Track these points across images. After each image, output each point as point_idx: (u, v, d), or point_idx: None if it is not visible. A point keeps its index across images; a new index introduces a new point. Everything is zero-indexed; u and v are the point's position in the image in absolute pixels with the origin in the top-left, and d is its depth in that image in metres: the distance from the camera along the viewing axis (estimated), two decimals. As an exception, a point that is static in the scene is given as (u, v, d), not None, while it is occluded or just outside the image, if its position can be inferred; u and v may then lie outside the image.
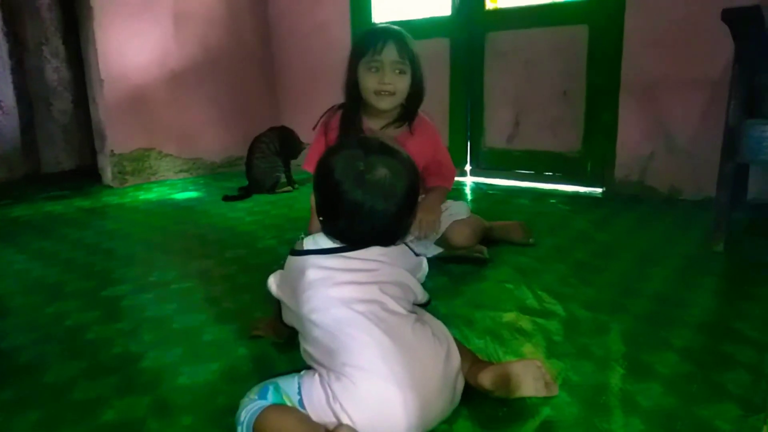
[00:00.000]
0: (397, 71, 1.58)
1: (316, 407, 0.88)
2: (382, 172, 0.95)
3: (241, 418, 0.88)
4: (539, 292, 1.50)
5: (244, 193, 2.89)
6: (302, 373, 0.95)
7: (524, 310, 1.40)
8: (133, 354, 1.25)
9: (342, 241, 0.99)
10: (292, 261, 1.04)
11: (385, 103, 1.61)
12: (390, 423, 0.86)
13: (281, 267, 1.09)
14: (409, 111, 1.69)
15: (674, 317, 1.33)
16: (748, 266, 1.67)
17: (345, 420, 0.85)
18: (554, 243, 1.95)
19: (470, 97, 3.10)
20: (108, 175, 3.26)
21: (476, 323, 1.33)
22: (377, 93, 1.59)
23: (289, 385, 0.92)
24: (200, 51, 3.54)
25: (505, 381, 0.94)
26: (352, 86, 1.67)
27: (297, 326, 1.03)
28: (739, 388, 1.03)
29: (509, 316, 1.37)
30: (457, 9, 3.05)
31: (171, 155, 3.48)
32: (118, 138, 3.22)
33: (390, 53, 1.57)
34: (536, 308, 1.41)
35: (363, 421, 0.85)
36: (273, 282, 1.09)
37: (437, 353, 0.93)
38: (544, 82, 2.83)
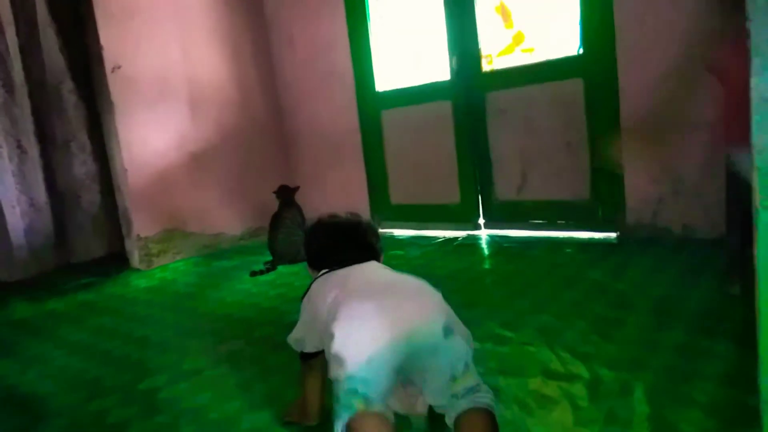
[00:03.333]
0: None
1: None
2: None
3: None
4: (561, 354, 1.53)
5: (270, 267, 2.99)
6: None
7: (548, 374, 1.44)
8: (175, 449, 1.30)
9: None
10: (303, 301, 1.34)
11: None
12: (369, 328, 1.08)
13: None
14: None
15: (696, 370, 1.35)
16: (767, 308, 1.69)
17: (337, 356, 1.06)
18: (572, 297, 1.98)
19: (476, 153, 3.20)
20: (135, 258, 3.38)
21: (502, 392, 1.36)
22: None
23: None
24: (215, 132, 3.73)
25: None
26: None
27: (320, 340, 1.22)
28: (766, 444, 1.04)
29: (534, 383, 1.40)
30: (455, 73, 3.19)
31: (194, 233, 3.60)
32: (143, 222, 3.36)
33: None
34: (560, 372, 1.44)
35: (348, 341, 1.07)
36: (291, 336, 1.34)
37: (412, 277, 1.27)
38: (546, 135, 2.93)
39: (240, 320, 2.22)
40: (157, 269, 3.30)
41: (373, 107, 3.63)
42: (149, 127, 3.39)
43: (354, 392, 1.03)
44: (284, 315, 2.20)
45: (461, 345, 1.12)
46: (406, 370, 1.10)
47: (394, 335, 1.07)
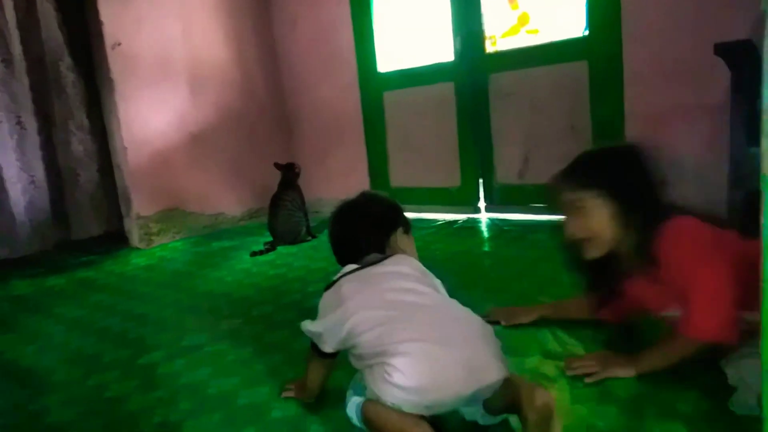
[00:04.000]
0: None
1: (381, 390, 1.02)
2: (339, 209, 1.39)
3: (351, 414, 1.10)
4: (560, 334, 1.53)
5: (269, 247, 2.98)
6: (356, 376, 1.19)
7: (547, 354, 1.44)
8: (173, 423, 1.31)
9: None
10: (327, 294, 1.23)
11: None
12: (443, 379, 1.01)
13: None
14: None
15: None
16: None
17: (398, 386, 1.00)
18: (571, 280, 1.97)
19: (478, 136, 3.18)
20: (135, 237, 3.38)
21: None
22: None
23: (356, 389, 1.14)
24: (216, 111, 3.70)
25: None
26: None
27: (343, 345, 1.17)
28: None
29: (533, 362, 1.40)
30: (459, 54, 3.16)
31: (194, 213, 3.60)
32: (142, 201, 3.35)
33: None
34: (558, 351, 1.44)
35: (420, 383, 1.00)
36: (308, 323, 1.22)
37: (468, 311, 1.17)
38: (549, 118, 2.91)
39: (239, 299, 2.22)
40: (156, 248, 3.30)
41: (375, 88, 3.60)
42: (149, 105, 3.37)
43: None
44: (283, 295, 2.20)
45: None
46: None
47: (464, 388, 1.02)
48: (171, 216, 3.48)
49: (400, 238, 1.38)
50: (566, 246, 1.37)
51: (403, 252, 1.35)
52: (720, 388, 1.17)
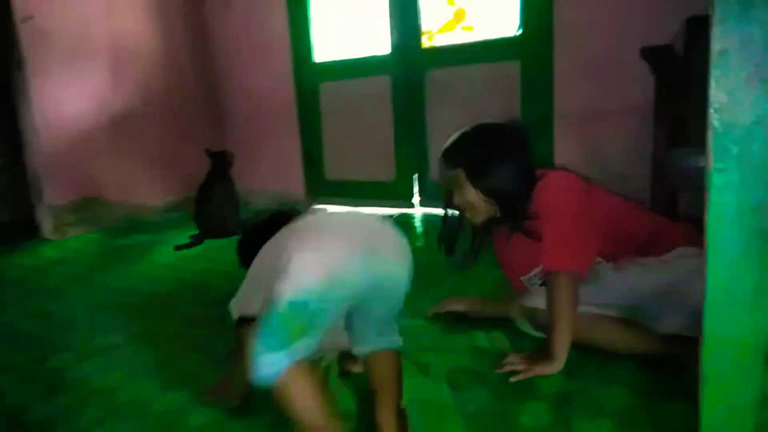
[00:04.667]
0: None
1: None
2: None
3: (262, 370, 0.90)
4: (491, 331, 1.54)
5: (195, 241, 2.84)
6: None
7: (477, 351, 1.43)
8: (79, 433, 1.20)
9: None
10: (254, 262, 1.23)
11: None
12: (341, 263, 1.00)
13: None
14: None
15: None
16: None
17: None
18: (502, 276, 1.99)
19: (413, 131, 3.17)
20: (47, 227, 3.13)
21: (432, 368, 1.35)
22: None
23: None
24: (140, 95, 3.49)
25: None
26: None
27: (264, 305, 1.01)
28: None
29: (463, 359, 1.39)
30: (395, 47, 3.13)
31: (113, 202, 3.38)
32: (56, 189, 3.11)
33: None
34: (488, 348, 1.44)
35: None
36: (234, 300, 1.24)
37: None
38: (481, 116, 2.90)
39: (160, 295, 2.09)
40: (71, 239, 3.07)
41: (311, 79, 3.51)
42: (65, 86, 3.12)
43: (296, 316, 0.92)
44: (209, 291, 2.09)
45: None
46: (357, 304, 1.07)
47: (368, 261, 1.03)
48: (88, 205, 3.25)
49: None
50: (444, 217, 1.55)
51: None
52: (647, 386, 1.20)
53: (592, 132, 2.67)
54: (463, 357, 1.41)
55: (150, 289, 2.18)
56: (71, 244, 3.00)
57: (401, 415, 1.10)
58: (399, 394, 1.11)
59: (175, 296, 2.06)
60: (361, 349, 1.14)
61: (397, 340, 1.15)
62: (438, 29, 3.10)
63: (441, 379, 1.30)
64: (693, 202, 2.42)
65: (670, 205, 2.16)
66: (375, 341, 1.12)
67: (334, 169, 3.57)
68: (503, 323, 1.56)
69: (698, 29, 2.20)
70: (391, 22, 3.11)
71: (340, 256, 1.01)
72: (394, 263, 1.09)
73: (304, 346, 0.93)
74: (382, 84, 3.21)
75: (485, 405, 1.18)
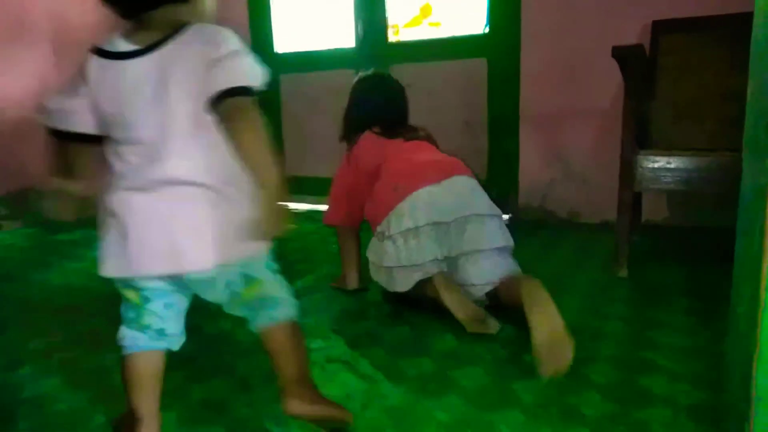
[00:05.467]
0: None
1: None
2: None
3: None
4: (459, 334, 1.47)
5: None
6: None
7: (446, 354, 1.36)
8: (5, 450, 1.06)
9: None
10: None
11: None
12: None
13: None
14: None
15: (591, 351, 1.34)
16: (651, 291, 1.75)
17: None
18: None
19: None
20: (-22, 221, 2.89)
21: (401, 374, 1.27)
22: None
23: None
24: (86, 81, 3.27)
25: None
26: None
27: None
28: (662, 426, 1.04)
29: (432, 364, 1.32)
30: (360, 41, 3.04)
31: (53, 195, 3.15)
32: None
33: None
34: (458, 352, 1.38)
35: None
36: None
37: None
38: (446, 113, 2.88)
39: (104, 295, 1.92)
40: (5, 234, 2.84)
41: (271, 70, 3.36)
42: (2, 68, 2.89)
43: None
44: (158, 289, 1.95)
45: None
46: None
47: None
48: (26, 197, 3.02)
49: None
50: None
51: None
52: (624, 392, 1.17)
53: (557, 133, 2.66)
54: (431, 360, 1.33)
55: (92, 287, 2.01)
56: (5, 238, 2.77)
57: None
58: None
59: (119, 296, 1.90)
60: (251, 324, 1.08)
61: (276, 314, 1.03)
62: (404, 24, 3.03)
63: (410, 384, 1.22)
64: (657, 204, 2.46)
65: (635, 207, 2.16)
66: (253, 316, 1.06)
67: (295, 164, 3.44)
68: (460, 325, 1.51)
69: (664, 32, 2.21)
70: (356, 14, 3.03)
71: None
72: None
73: None
74: (346, 78, 3.10)
75: (459, 412, 1.11)
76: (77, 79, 0.92)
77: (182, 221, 0.86)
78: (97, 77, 0.90)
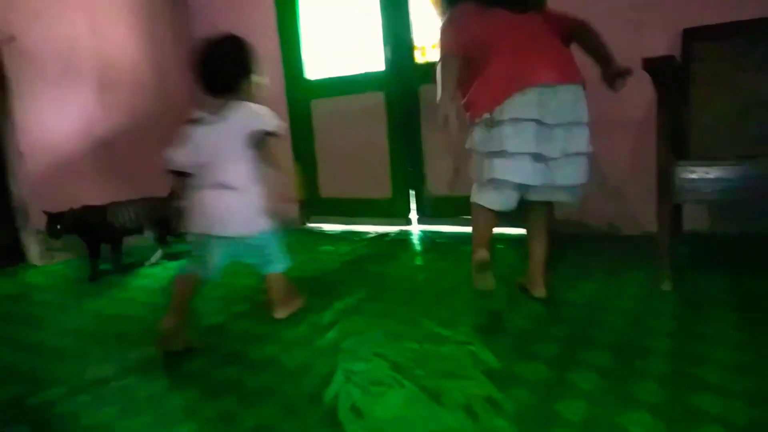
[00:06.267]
0: None
1: None
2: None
3: None
4: (502, 353, 1.47)
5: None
6: None
7: (491, 375, 1.36)
8: (70, 478, 1.11)
9: None
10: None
11: None
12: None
13: None
14: None
15: (636, 369, 1.32)
16: (697, 304, 1.71)
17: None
18: (506, 293, 1.94)
19: (409, 147, 3.13)
20: (33, 253, 3.03)
21: (445, 396, 1.28)
22: None
23: None
24: (127, 116, 3.42)
25: None
26: None
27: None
28: (715, 445, 1.02)
29: (477, 385, 1.32)
30: (389, 63, 3.09)
31: (102, 226, 3.28)
32: (43, 213, 3.01)
33: None
34: (502, 372, 1.38)
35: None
36: None
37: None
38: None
39: (152, 323, 1.99)
40: (59, 265, 2.97)
41: (302, 96, 3.46)
42: (51, 107, 3.05)
43: None
44: (202, 317, 2.01)
45: None
46: None
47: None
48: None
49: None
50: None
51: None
52: (675, 411, 1.15)
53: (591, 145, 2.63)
54: (475, 383, 1.34)
55: (141, 315, 2.09)
56: (59, 269, 2.90)
57: None
58: None
59: (169, 323, 1.97)
60: None
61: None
62: (432, 45, 3.07)
63: (456, 407, 1.23)
64: (698, 212, 2.40)
65: (676, 217, 2.12)
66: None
67: (329, 187, 3.51)
68: (514, 344, 1.50)
69: (695, 40, 2.19)
70: (384, 39, 3.09)
71: None
72: None
73: None
74: (377, 100, 3.17)
75: (505, 435, 1.11)
76: (182, 138, 1.73)
77: (224, 207, 1.68)
78: (193, 135, 1.73)
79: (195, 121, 1.72)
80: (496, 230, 1.87)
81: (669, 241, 1.83)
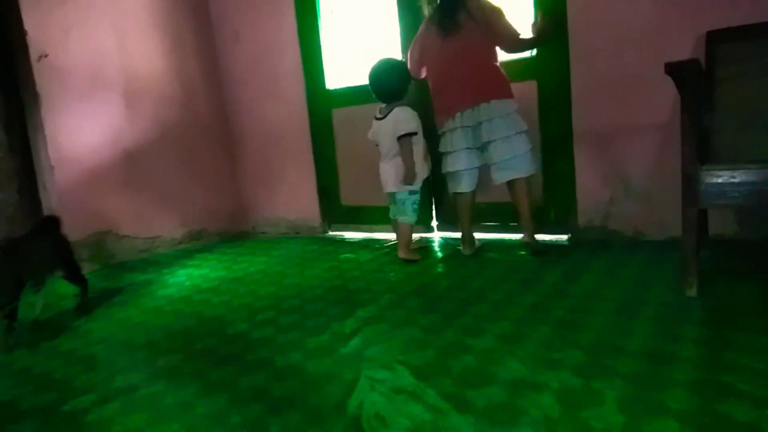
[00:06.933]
0: None
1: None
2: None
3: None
4: (527, 361, 1.47)
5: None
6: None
7: (515, 383, 1.36)
8: (102, 483, 1.14)
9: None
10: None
11: None
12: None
13: None
14: None
15: (664, 376, 1.31)
16: (724, 310, 1.69)
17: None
18: (530, 301, 1.93)
19: (430, 153, 3.13)
20: (62, 263, 3.10)
21: (469, 404, 1.28)
22: None
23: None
24: (154, 128, 3.50)
25: None
26: None
27: None
28: (745, 454, 1.00)
29: (501, 393, 1.32)
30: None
31: (128, 236, 3.36)
32: (72, 224, 3.06)
33: None
34: (527, 380, 1.37)
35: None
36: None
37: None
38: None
39: (179, 331, 2.04)
40: (87, 275, 3.03)
41: (323, 106, 3.50)
42: (80, 121, 3.13)
43: None
44: (228, 325, 2.04)
45: None
46: None
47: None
48: (103, 240, 3.23)
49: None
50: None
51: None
52: (704, 419, 1.13)
53: (613, 150, 2.62)
54: (499, 391, 1.33)
55: (169, 324, 2.13)
56: (88, 279, 2.96)
57: None
58: None
59: (195, 332, 2.01)
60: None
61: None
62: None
63: (480, 416, 1.23)
64: (724, 216, 2.37)
65: (701, 222, 2.08)
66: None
67: (350, 195, 3.53)
68: (539, 351, 1.50)
69: (719, 42, 2.16)
70: (403, 46, 3.11)
71: None
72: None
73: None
74: (396, 108, 3.18)
75: (531, 443, 1.11)
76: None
77: (388, 173, 2.71)
78: (374, 128, 2.76)
79: (376, 118, 2.72)
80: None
81: (695, 246, 1.80)
